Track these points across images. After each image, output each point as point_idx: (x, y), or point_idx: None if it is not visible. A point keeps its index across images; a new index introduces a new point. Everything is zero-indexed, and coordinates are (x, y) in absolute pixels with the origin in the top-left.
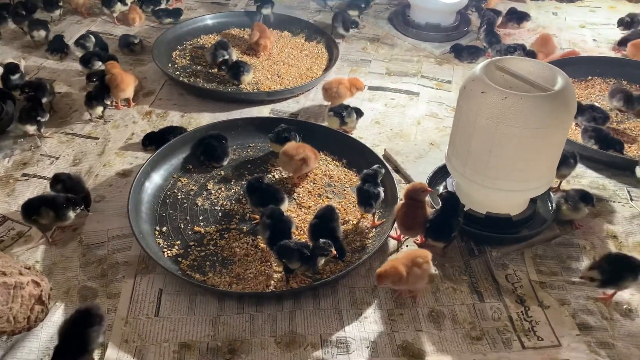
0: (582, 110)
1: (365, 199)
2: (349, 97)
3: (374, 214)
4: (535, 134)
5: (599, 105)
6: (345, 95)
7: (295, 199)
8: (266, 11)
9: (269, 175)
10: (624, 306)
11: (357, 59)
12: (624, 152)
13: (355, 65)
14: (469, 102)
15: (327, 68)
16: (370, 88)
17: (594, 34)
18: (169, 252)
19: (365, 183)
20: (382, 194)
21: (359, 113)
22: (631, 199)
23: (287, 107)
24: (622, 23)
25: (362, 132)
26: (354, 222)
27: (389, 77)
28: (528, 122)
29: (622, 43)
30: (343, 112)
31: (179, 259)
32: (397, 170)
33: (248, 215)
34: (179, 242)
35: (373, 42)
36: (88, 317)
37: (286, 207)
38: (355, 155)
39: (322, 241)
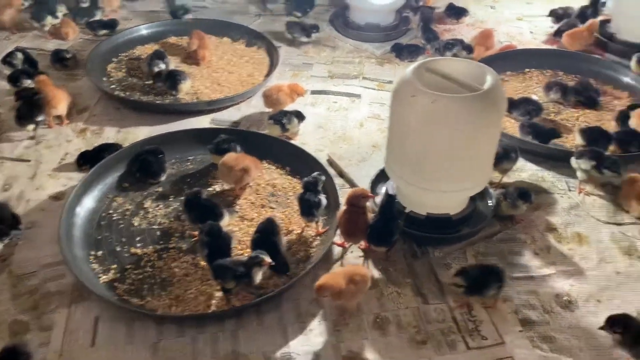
0: (516, 104)
1: (307, 209)
2: (290, 103)
3: (317, 222)
4: (467, 134)
5: (535, 98)
6: (285, 102)
7: (237, 212)
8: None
9: (210, 189)
10: (564, 298)
11: (299, 63)
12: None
13: (297, 70)
14: (400, 105)
15: (269, 74)
16: (313, 92)
17: (531, 26)
18: (104, 277)
19: (307, 192)
20: (324, 201)
21: (300, 117)
22: (569, 190)
23: (228, 116)
24: (554, 14)
25: (306, 137)
26: (298, 232)
27: (331, 80)
28: (459, 123)
29: (558, 34)
30: (283, 119)
31: (115, 284)
32: (342, 174)
33: (187, 232)
34: (115, 266)
35: (315, 45)
36: (14, 356)
37: (227, 221)
38: (298, 162)
39: (254, 253)
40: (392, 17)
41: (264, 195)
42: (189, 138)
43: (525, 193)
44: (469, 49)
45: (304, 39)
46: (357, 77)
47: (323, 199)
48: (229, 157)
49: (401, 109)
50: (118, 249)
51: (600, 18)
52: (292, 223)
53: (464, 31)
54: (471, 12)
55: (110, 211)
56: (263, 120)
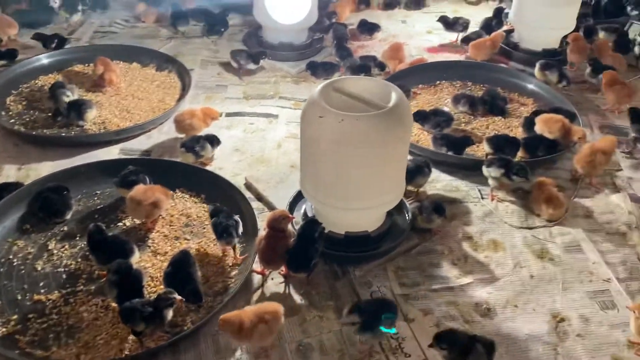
0: (427, 117)
1: (223, 231)
2: (205, 128)
3: (234, 247)
4: (376, 152)
5: (446, 109)
6: (199, 128)
7: (149, 247)
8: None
9: (120, 224)
10: (483, 306)
11: (213, 85)
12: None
13: (210, 92)
14: (309, 127)
15: (181, 98)
16: (228, 114)
17: (440, 38)
18: (3, 329)
19: (218, 215)
20: (240, 221)
21: (215, 142)
22: (482, 197)
23: (138, 145)
24: (444, 21)
25: (222, 161)
26: (215, 262)
27: (247, 102)
28: (367, 141)
29: (465, 41)
30: (195, 147)
31: (17, 336)
32: (260, 198)
33: (96, 272)
34: (15, 316)
35: (229, 67)
36: None
37: (137, 258)
38: (213, 188)
39: (162, 291)
40: (305, 36)
41: (178, 227)
42: (95, 171)
43: (439, 207)
44: (381, 65)
45: (251, 67)
46: (273, 97)
47: (238, 219)
48: (137, 191)
49: (310, 131)
50: (19, 297)
51: (504, 28)
52: (208, 254)
53: (377, 47)
54: (383, 27)
55: (10, 256)
56: (176, 147)
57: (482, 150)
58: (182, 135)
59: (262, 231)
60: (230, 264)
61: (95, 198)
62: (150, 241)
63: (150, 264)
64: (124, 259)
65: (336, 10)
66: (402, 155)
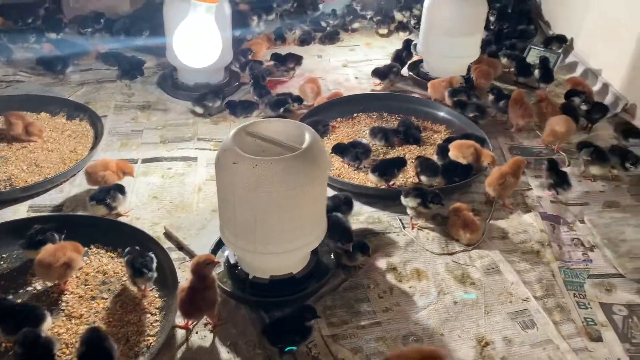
0: (345, 149)
1: (138, 269)
2: (119, 181)
3: (145, 286)
4: (293, 195)
5: (364, 141)
6: (113, 181)
7: (63, 310)
8: None
9: (30, 288)
10: (411, 338)
11: (128, 130)
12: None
13: (125, 138)
14: (224, 174)
15: (94, 146)
16: (144, 161)
17: (356, 71)
18: None
19: (132, 253)
20: (154, 258)
21: (123, 191)
22: (403, 227)
23: (49, 200)
24: (377, 73)
25: (140, 211)
26: (135, 321)
27: (164, 146)
28: (282, 185)
29: (381, 75)
30: (106, 199)
31: None
32: (181, 247)
33: (3, 344)
34: None
35: (144, 110)
36: None
37: (49, 324)
38: (131, 241)
39: None
40: (222, 75)
41: (94, 286)
42: (0, 233)
43: (364, 245)
44: (298, 99)
45: (217, 104)
46: (191, 139)
47: (152, 255)
48: (46, 253)
49: (225, 177)
50: None
51: (414, 59)
52: (128, 312)
53: (295, 82)
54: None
55: None
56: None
57: (399, 179)
58: (96, 188)
59: (184, 281)
60: (152, 322)
61: (1, 262)
62: (64, 304)
63: (64, 329)
64: (32, 327)
65: (252, 48)
66: (320, 195)
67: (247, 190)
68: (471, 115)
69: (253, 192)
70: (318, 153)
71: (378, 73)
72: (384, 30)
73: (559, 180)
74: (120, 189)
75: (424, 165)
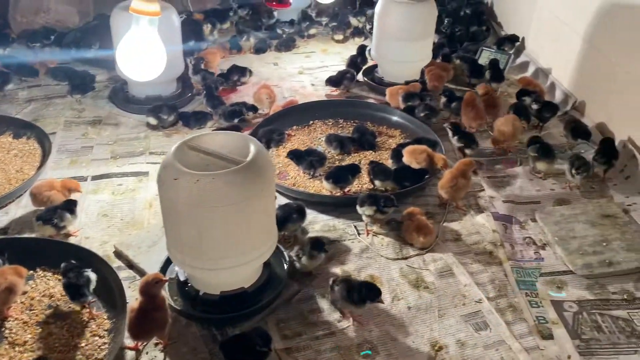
0: (300, 158)
1: (75, 292)
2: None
3: (88, 304)
4: (238, 209)
5: (320, 149)
6: (59, 200)
7: (6, 338)
8: None
9: None
10: (366, 346)
11: (78, 147)
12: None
13: (75, 156)
14: (166, 190)
15: (41, 165)
16: (94, 178)
17: (312, 78)
18: None
19: (68, 274)
20: (93, 276)
21: (73, 210)
22: (358, 234)
23: None
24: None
25: (89, 230)
26: (83, 345)
27: (114, 161)
28: (226, 199)
29: (333, 84)
30: (53, 219)
31: None
32: (131, 265)
33: None
34: None
35: (95, 126)
36: None
37: None
38: (78, 262)
39: None
40: (174, 87)
41: (39, 310)
42: None
43: (316, 243)
44: (253, 108)
45: (171, 116)
46: (143, 154)
47: (90, 272)
48: None
49: (168, 194)
50: None
51: (370, 64)
52: (75, 336)
53: (250, 91)
54: (255, 71)
55: None
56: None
57: (354, 186)
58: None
59: (133, 301)
60: (100, 344)
61: None
62: (7, 331)
63: (7, 358)
64: None
65: (205, 57)
66: (268, 206)
67: (190, 206)
68: (422, 115)
69: (196, 209)
70: (263, 165)
71: (331, 81)
72: (340, 36)
73: (467, 141)
74: (69, 208)
75: (376, 169)
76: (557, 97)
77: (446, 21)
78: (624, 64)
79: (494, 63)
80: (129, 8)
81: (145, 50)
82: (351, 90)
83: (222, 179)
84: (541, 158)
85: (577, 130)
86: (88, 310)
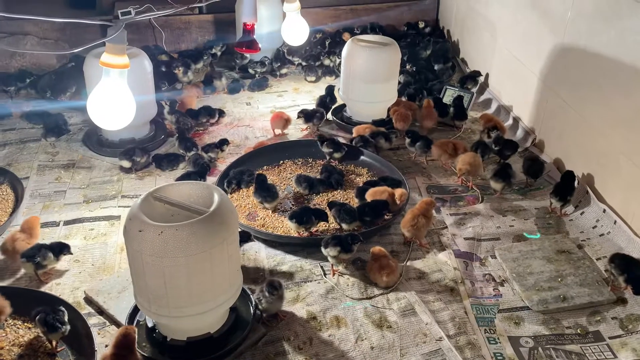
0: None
1: (54, 324)
2: (32, 242)
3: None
4: (203, 258)
5: (288, 188)
6: (26, 247)
7: None
8: None
9: None
10: None
11: (51, 192)
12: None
13: (48, 200)
14: (131, 242)
15: (14, 211)
16: (66, 223)
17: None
18: None
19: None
20: (65, 311)
21: (63, 250)
22: (325, 274)
23: None
24: (304, 114)
25: (60, 276)
26: None
27: (86, 206)
28: (191, 249)
29: (306, 118)
30: (36, 257)
31: None
32: (101, 312)
33: None
34: None
35: (68, 169)
36: None
37: None
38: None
39: None
40: (147, 129)
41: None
42: None
43: (272, 284)
44: (224, 142)
45: (144, 158)
46: (115, 197)
47: (63, 309)
48: None
49: (133, 246)
50: None
51: (339, 103)
52: None
53: (223, 131)
54: (228, 111)
55: None
56: (7, 268)
57: (322, 225)
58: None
59: (103, 349)
60: None
61: None
62: None
63: None
64: None
65: (184, 101)
66: (232, 253)
67: (155, 257)
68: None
69: (161, 259)
70: (227, 214)
71: (305, 114)
72: (312, 78)
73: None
74: (53, 249)
75: (342, 212)
76: (518, 133)
77: (409, 64)
78: (575, 104)
79: (457, 101)
80: (99, 61)
81: (115, 101)
82: (320, 128)
83: (185, 230)
84: (495, 177)
85: (537, 172)
86: (54, 345)
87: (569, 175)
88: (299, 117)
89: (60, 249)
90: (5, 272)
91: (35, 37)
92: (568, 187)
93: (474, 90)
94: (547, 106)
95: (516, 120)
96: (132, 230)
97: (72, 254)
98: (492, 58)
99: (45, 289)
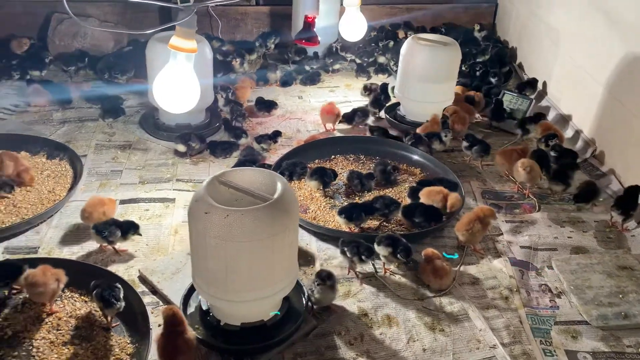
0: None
1: (109, 299)
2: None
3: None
4: (264, 244)
5: (339, 183)
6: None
7: (34, 356)
8: None
9: (0, 334)
10: None
11: (107, 170)
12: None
13: (105, 179)
14: (196, 223)
15: (72, 187)
16: (123, 202)
17: None
18: None
19: (99, 286)
20: (121, 288)
21: (128, 230)
22: (376, 272)
23: (25, 242)
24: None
25: (115, 253)
26: None
27: (142, 186)
28: (254, 235)
29: (348, 120)
30: (104, 232)
31: None
32: (154, 291)
33: None
34: None
35: (124, 150)
36: None
37: None
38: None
39: None
40: (203, 116)
41: (66, 331)
42: None
43: (320, 274)
44: (273, 137)
45: (199, 144)
46: (170, 180)
47: (120, 286)
48: (36, 275)
49: (197, 227)
50: None
51: (393, 101)
52: (99, 358)
53: (275, 123)
54: (280, 103)
55: None
56: (66, 241)
57: (373, 224)
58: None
59: (157, 328)
60: None
61: None
62: (34, 350)
63: None
64: None
65: (237, 92)
66: (292, 242)
67: (218, 240)
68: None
69: (224, 242)
70: (289, 202)
71: (347, 117)
72: (364, 79)
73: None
74: (122, 227)
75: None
76: (578, 144)
77: (469, 63)
78: None
79: (498, 103)
80: (168, 44)
81: (181, 85)
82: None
83: (250, 215)
84: (556, 180)
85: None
86: (110, 320)
87: (633, 189)
88: (340, 121)
89: (129, 227)
90: (65, 246)
91: (97, 19)
92: (631, 201)
93: (532, 97)
94: (610, 117)
95: (576, 130)
96: (198, 212)
97: (140, 234)
98: (553, 65)
99: (101, 265)
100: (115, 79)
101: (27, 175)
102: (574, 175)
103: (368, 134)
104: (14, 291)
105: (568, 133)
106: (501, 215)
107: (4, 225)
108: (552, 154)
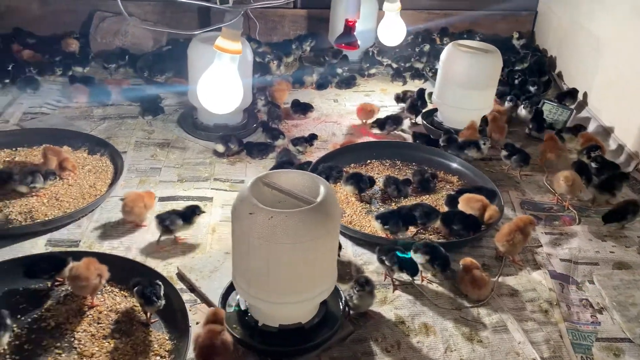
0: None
1: (150, 297)
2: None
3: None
4: (307, 247)
5: (375, 188)
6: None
7: (75, 348)
8: None
9: (44, 324)
10: None
11: (147, 167)
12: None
13: (144, 176)
14: (240, 223)
15: (113, 183)
16: (161, 199)
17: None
18: None
19: (140, 283)
20: (162, 285)
21: (192, 215)
22: (413, 280)
23: (67, 235)
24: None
25: (153, 249)
26: None
27: (180, 184)
28: (297, 237)
29: (380, 126)
30: (166, 221)
31: None
32: (192, 289)
33: None
34: None
35: (163, 148)
36: None
37: None
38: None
39: None
40: (241, 117)
41: (106, 324)
42: (17, 268)
43: (359, 280)
44: (313, 137)
45: (237, 145)
46: (207, 179)
47: (160, 283)
48: (79, 268)
49: (241, 227)
50: None
51: (430, 107)
52: (138, 353)
53: (310, 125)
54: (316, 106)
55: None
56: (108, 235)
57: (411, 230)
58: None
59: (196, 326)
60: None
61: (18, 296)
62: (76, 342)
63: None
64: None
65: (274, 94)
66: (332, 246)
67: (261, 240)
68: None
69: (267, 243)
70: (332, 206)
71: (378, 123)
72: (400, 84)
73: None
74: (183, 216)
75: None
76: (620, 157)
77: (507, 71)
78: None
79: (538, 112)
80: (214, 45)
81: (225, 86)
82: (392, 133)
83: (294, 218)
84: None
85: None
86: (149, 316)
87: None
88: (372, 127)
89: (191, 213)
90: (105, 240)
91: (138, 18)
92: None
93: (573, 107)
94: None
95: (618, 143)
96: (242, 212)
97: (204, 212)
98: (594, 75)
99: (139, 260)
100: (155, 79)
101: (69, 164)
102: (621, 187)
103: (410, 140)
104: (57, 283)
105: (610, 145)
106: (540, 227)
107: (47, 218)
108: (594, 165)
